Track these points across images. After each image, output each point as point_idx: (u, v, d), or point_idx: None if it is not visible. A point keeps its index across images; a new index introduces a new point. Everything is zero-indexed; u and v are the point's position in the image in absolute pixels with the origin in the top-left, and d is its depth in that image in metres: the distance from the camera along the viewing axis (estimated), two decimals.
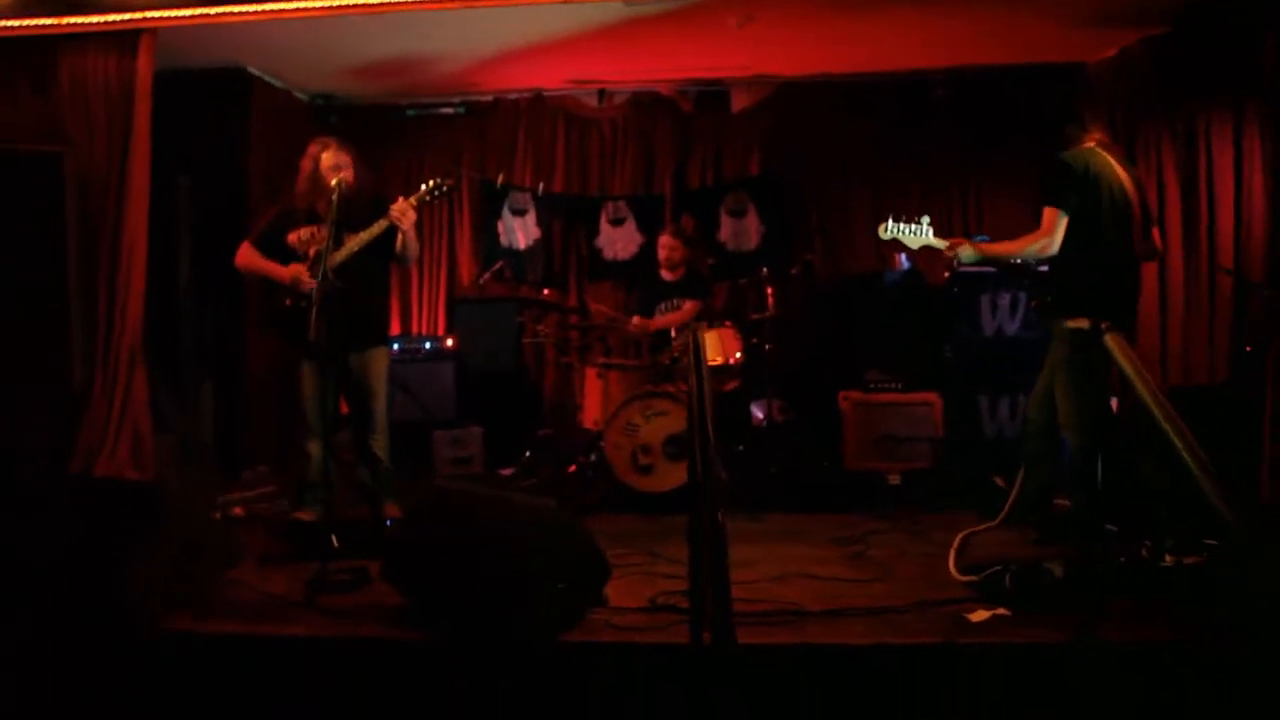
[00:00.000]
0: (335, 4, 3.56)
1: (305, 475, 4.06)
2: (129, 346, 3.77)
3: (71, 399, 3.68)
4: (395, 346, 5.80)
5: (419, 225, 4.01)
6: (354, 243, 3.88)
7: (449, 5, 3.54)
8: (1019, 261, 3.84)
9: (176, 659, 2.98)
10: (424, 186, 3.95)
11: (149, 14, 3.70)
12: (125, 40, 3.78)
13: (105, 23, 3.70)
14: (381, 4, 3.54)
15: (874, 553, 4.06)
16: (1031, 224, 3.73)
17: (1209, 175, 5.03)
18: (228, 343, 5.50)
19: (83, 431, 3.68)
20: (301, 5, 3.57)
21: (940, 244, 3.80)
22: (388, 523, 4.15)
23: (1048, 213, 3.62)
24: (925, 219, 3.87)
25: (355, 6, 3.56)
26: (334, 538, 3.80)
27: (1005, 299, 5.08)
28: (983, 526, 4.13)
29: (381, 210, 3.90)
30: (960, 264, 3.86)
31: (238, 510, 4.46)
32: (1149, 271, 5.29)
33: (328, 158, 3.98)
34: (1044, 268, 3.82)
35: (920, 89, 5.97)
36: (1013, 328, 5.08)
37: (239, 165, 5.51)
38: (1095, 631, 2.93)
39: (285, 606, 3.31)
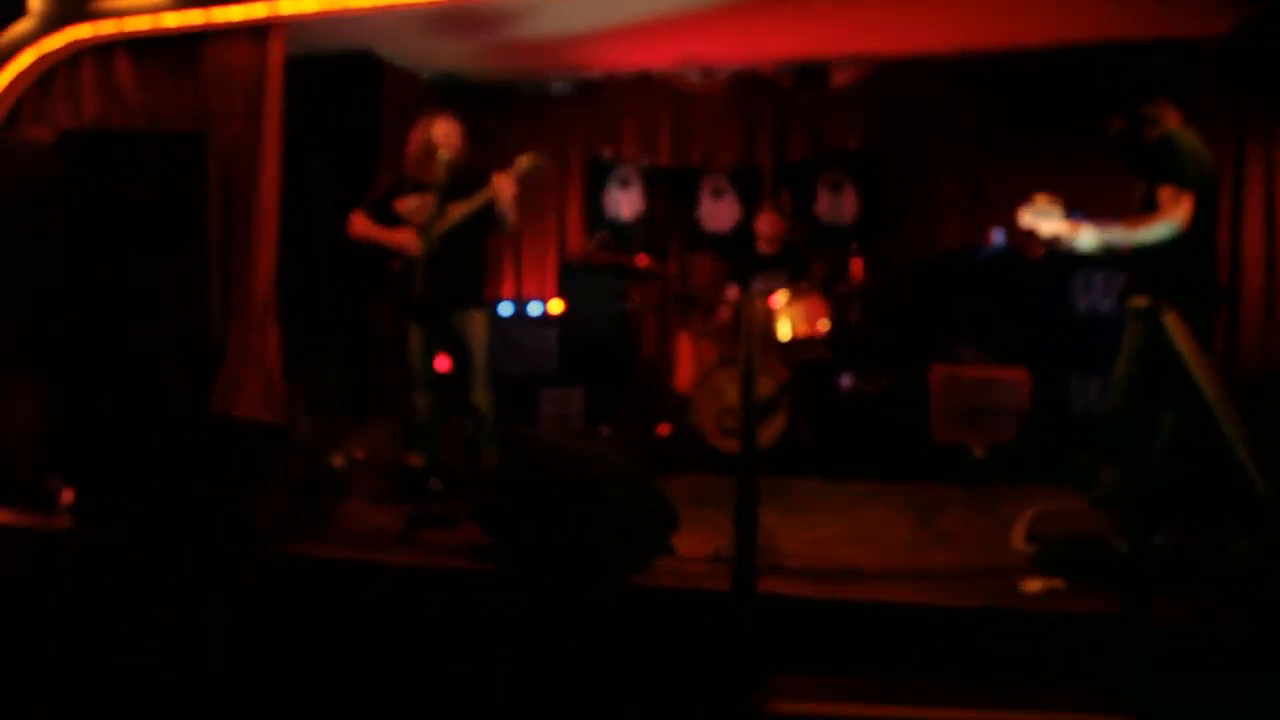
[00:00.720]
0: None
1: (413, 423, 4.47)
2: (261, 303, 4.25)
3: (211, 350, 4.19)
4: (509, 308, 6.22)
5: (520, 198, 4.26)
6: (457, 213, 4.18)
7: None
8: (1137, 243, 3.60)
9: (291, 578, 3.42)
10: (519, 162, 4.18)
11: (279, 6, 4.13)
12: (259, 32, 4.22)
13: (243, 17, 4.15)
14: None
15: (945, 521, 4.18)
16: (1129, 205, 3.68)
17: None
18: (357, 305, 5.97)
19: (220, 378, 4.18)
20: None
21: (1066, 231, 3.56)
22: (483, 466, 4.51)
23: (1172, 191, 3.44)
24: (1057, 203, 3.76)
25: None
26: (435, 480, 4.21)
27: (1098, 278, 5.05)
28: (1058, 503, 4.17)
29: (484, 182, 4.16)
30: (1078, 250, 3.79)
31: (359, 453, 4.93)
32: (1255, 257, 5.19)
33: (439, 130, 4.26)
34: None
35: (1019, 66, 5.89)
36: (1106, 306, 5.05)
37: (370, 138, 5.91)
38: (1146, 607, 2.98)
39: (386, 538, 3.73)
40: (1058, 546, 3.51)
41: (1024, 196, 3.67)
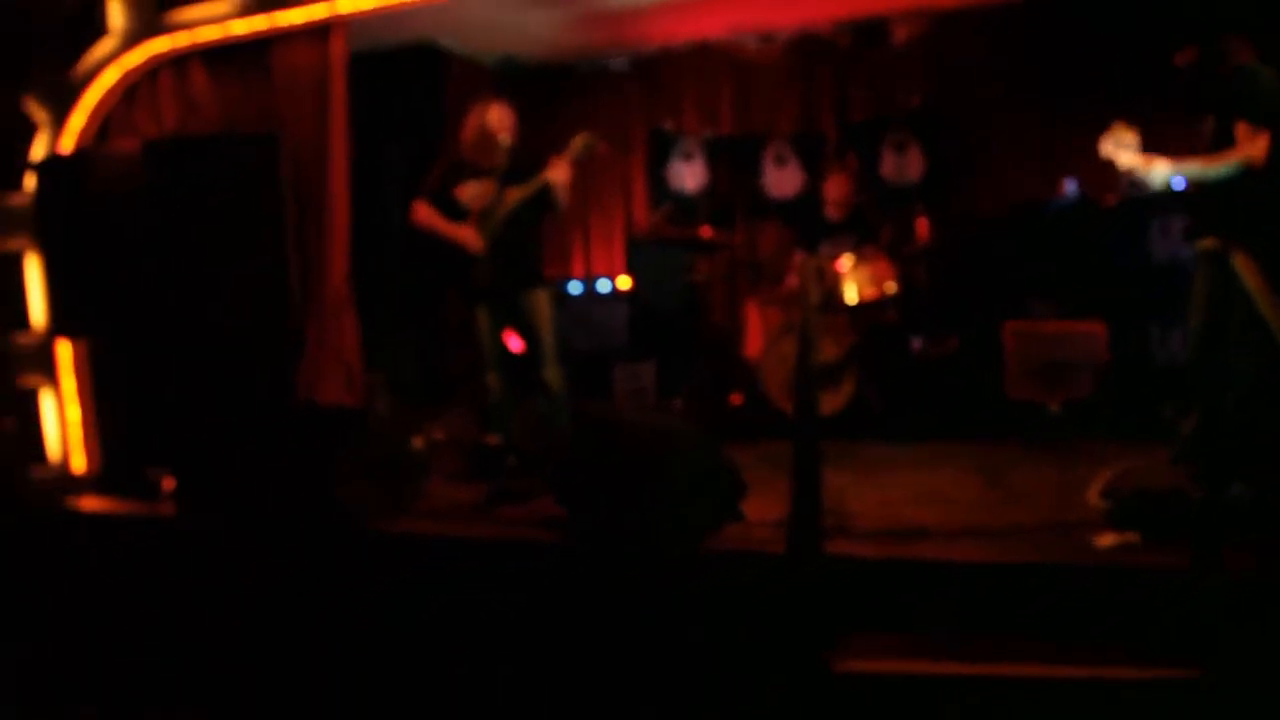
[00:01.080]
0: None
1: (489, 403, 4.63)
2: (337, 294, 4.45)
3: (293, 340, 4.42)
4: (578, 286, 6.34)
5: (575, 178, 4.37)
6: (514, 198, 4.27)
7: None
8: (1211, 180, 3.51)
9: (378, 552, 3.62)
10: (573, 144, 4.24)
11: (337, 5, 4.30)
12: (321, 32, 4.39)
13: (305, 19, 4.33)
14: None
15: (1018, 479, 4.16)
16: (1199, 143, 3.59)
17: None
18: (431, 293, 6.16)
19: (303, 366, 4.41)
20: None
21: (1141, 163, 3.54)
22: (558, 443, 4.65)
23: (1258, 130, 3.36)
24: (1134, 134, 3.61)
25: None
26: (512, 457, 4.37)
27: (1177, 223, 4.90)
28: (1139, 460, 4.09)
29: (538, 166, 4.25)
30: (1149, 186, 3.70)
31: (438, 434, 5.12)
32: None
33: (493, 116, 4.35)
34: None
35: (1082, 7, 5.68)
36: (1186, 253, 4.90)
37: (436, 126, 6.06)
38: (1219, 559, 2.94)
39: (467, 513, 3.90)
40: (1132, 500, 3.46)
41: (1093, 143, 3.65)
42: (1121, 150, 3.55)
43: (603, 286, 6.36)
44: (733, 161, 6.62)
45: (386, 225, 5.95)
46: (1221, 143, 3.46)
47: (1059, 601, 2.99)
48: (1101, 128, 5.85)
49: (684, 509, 3.39)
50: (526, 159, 4.33)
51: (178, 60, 4.74)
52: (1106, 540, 3.25)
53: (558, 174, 4.20)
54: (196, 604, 3.70)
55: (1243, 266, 2.88)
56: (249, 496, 3.80)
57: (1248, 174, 3.35)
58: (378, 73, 5.20)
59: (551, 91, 6.55)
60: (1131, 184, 5.17)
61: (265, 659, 3.55)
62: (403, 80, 5.83)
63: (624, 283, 6.36)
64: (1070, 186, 5.60)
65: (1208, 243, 3.30)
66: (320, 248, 4.43)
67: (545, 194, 4.28)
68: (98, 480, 4.80)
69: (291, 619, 3.59)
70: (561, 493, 3.76)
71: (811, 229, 5.75)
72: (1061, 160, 5.91)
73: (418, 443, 4.75)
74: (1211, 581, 2.81)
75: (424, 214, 4.38)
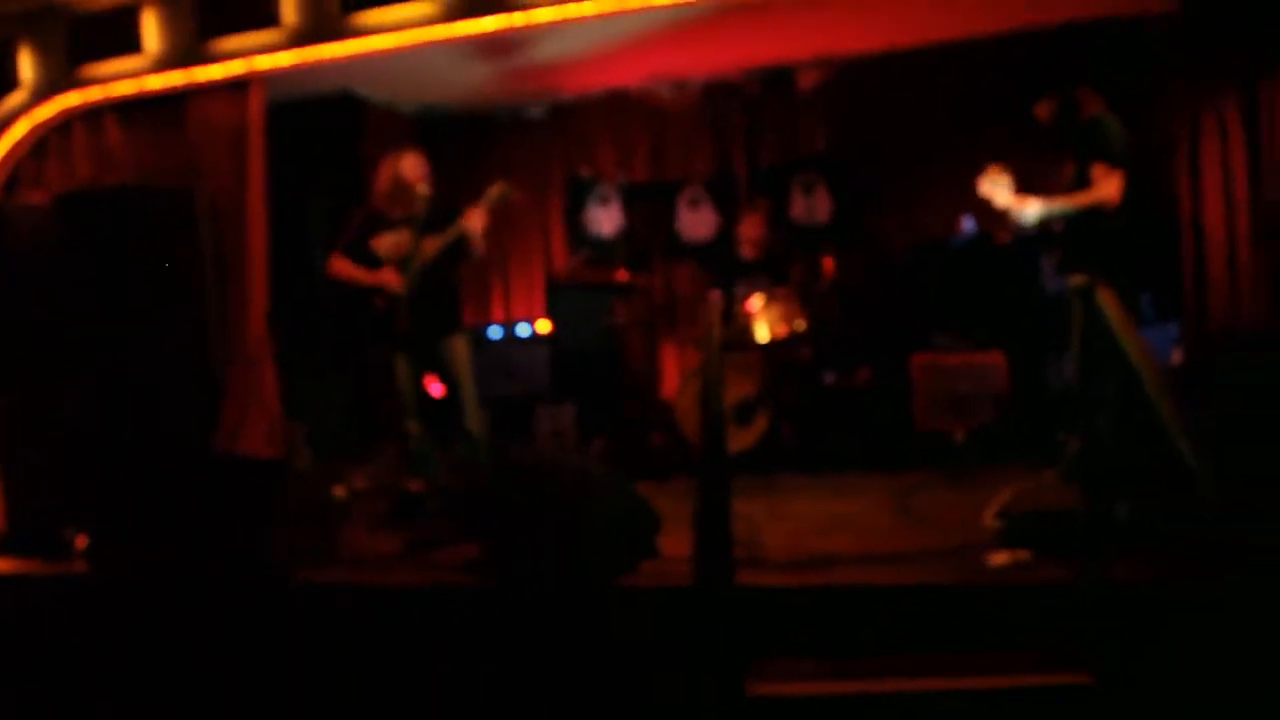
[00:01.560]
0: (404, 39, 4.08)
1: (410, 450, 4.67)
2: (257, 343, 4.46)
3: (212, 389, 4.41)
4: (498, 331, 6.42)
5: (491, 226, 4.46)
6: (432, 248, 4.37)
7: (499, 30, 3.98)
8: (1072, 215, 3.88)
9: (300, 603, 3.63)
10: (489, 193, 4.35)
11: (255, 61, 4.35)
12: (238, 86, 4.45)
13: (222, 74, 4.39)
14: (442, 35, 4.03)
15: (923, 506, 4.35)
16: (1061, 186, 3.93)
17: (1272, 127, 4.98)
18: (356, 342, 6.16)
19: (223, 416, 4.39)
20: (377, 42, 4.13)
21: (1014, 202, 3.90)
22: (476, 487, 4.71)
23: (1112, 170, 3.75)
24: (1007, 175, 3.97)
25: (421, 41, 4.08)
26: (434, 503, 4.41)
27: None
28: (1034, 481, 4.31)
29: (454, 215, 4.35)
30: (1022, 223, 3.98)
31: (360, 484, 5.14)
32: (1216, 226, 5.33)
33: (408, 166, 4.44)
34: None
35: (978, 54, 6.04)
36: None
37: (354, 174, 6.09)
38: (1102, 572, 3.14)
39: (389, 561, 3.93)
40: (1022, 520, 3.68)
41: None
42: (997, 190, 3.87)
43: (523, 331, 6.45)
44: (648, 205, 6.80)
45: (308, 274, 5.97)
46: (1081, 185, 3.82)
47: (959, 618, 3.17)
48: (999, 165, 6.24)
49: (600, 547, 3.48)
50: (442, 208, 4.42)
51: (91, 113, 4.74)
52: (1000, 559, 3.45)
53: (473, 223, 4.30)
54: (112, 664, 3.65)
55: (1105, 300, 3.12)
56: (166, 551, 3.78)
57: (1105, 213, 3.72)
58: (296, 122, 5.24)
59: (470, 140, 6.68)
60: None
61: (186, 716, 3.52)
62: (321, 129, 5.86)
63: (543, 326, 6.47)
64: (968, 224, 5.91)
65: (1077, 279, 3.56)
66: (239, 298, 4.44)
67: (461, 243, 4.37)
68: (6, 541, 4.69)
69: (211, 674, 3.56)
70: (480, 534, 3.83)
71: (727, 269, 5.93)
72: (960, 199, 6.19)
73: (339, 492, 4.78)
74: (1097, 592, 3.01)
75: (340, 267, 4.46)
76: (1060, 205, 3.87)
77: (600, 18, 3.96)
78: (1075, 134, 3.96)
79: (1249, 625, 2.84)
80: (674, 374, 5.77)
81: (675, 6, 4.10)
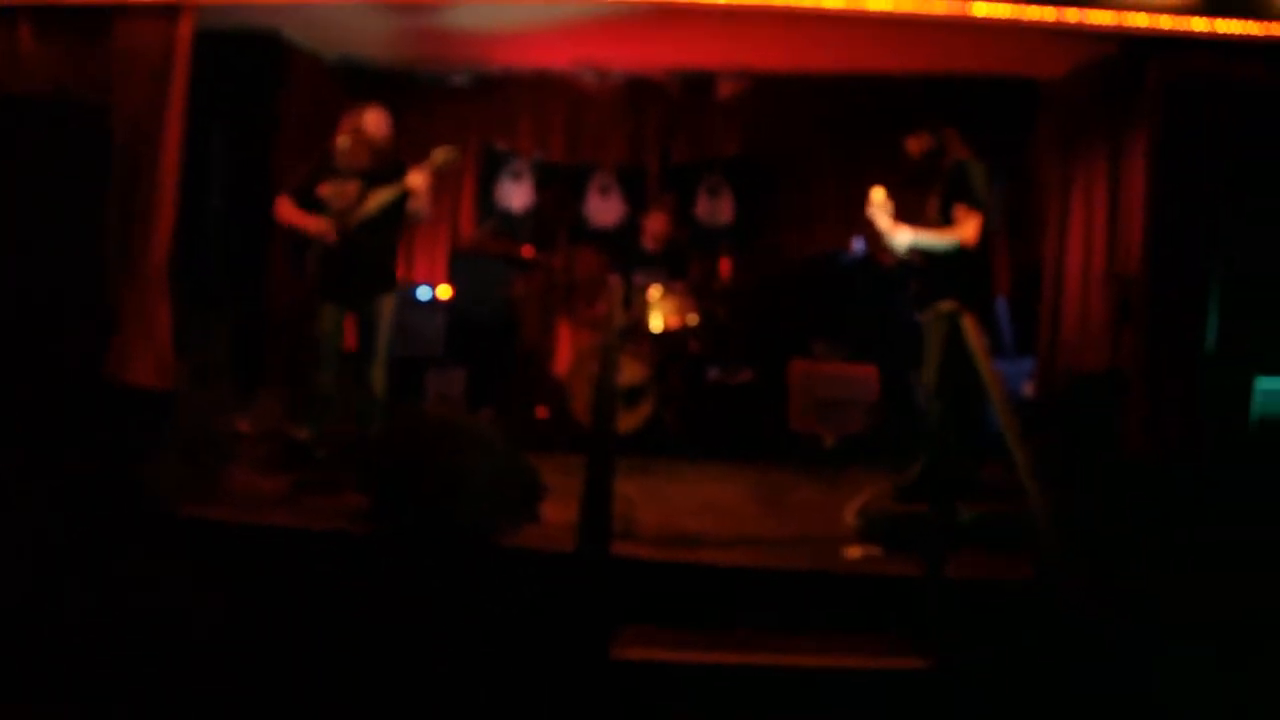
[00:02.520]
0: None
1: (310, 397, 4.67)
2: (156, 273, 4.40)
3: (105, 315, 4.33)
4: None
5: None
6: (375, 202, 4.41)
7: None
8: (936, 250, 4.26)
9: (176, 538, 3.64)
10: (434, 155, 4.40)
11: None
12: (169, 11, 4.36)
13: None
14: None
15: (790, 499, 4.66)
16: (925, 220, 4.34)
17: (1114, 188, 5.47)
18: (251, 274, 6.08)
19: (114, 343, 4.32)
20: None
21: (889, 228, 4.26)
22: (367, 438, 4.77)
23: (971, 212, 4.14)
24: (889, 203, 4.34)
25: None
26: (321, 450, 4.46)
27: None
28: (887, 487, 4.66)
29: (401, 173, 4.41)
30: (893, 248, 4.34)
31: (243, 425, 5.10)
32: (1074, 273, 5.84)
33: (370, 120, 4.52)
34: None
35: (889, 90, 6.42)
36: None
37: (271, 116, 5.98)
38: (943, 567, 3.46)
39: (272, 502, 3.98)
40: (878, 519, 4.02)
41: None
42: (879, 213, 4.23)
43: (422, 294, 6.50)
44: (559, 186, 6.94)
45: (205, 207, 5.86)
46: (943, 221, 4.20)
47: (813, 603, 3.46)
48: (894, 196, 6.64)
49: (484, 504, 3.63)
50: (393, 165, 4.48)
51: (3, 12, 4.52)
52: (855, 552, 3.78)
53: (417, 181, 4.36)
54: None
55: (967, 326, 3.46)
56: (46, 478, 3.72)
57: (965, 249, 4.15)
58: (214, 54, 5.13)
59: (390, 99, 6.61)
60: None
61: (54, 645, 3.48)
62: (239, 64, 5.73)
63: (444, 292, 6.52)
64: (858, 244, 6.29)
65: (947, 305, 3.91)
66: (144, 226, 4.36)
67: (403, 201, 4.44)
68: None
69: (79, 603, 3.54)
70: (369, 485, 3.92)
71: (629, 258, 6.15)
72: (855, 219, 6.60)
73: (224, 429, 4.76)
74: (938, 586, 3.33)
75: (285, 209, 4.47)
76: (927, 238, 4.25)
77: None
78: (941, 174, 4.35)
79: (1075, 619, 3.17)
80: (566, 352, 5.93)
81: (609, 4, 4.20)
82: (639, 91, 6.83)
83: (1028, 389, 5.70)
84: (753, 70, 6.54)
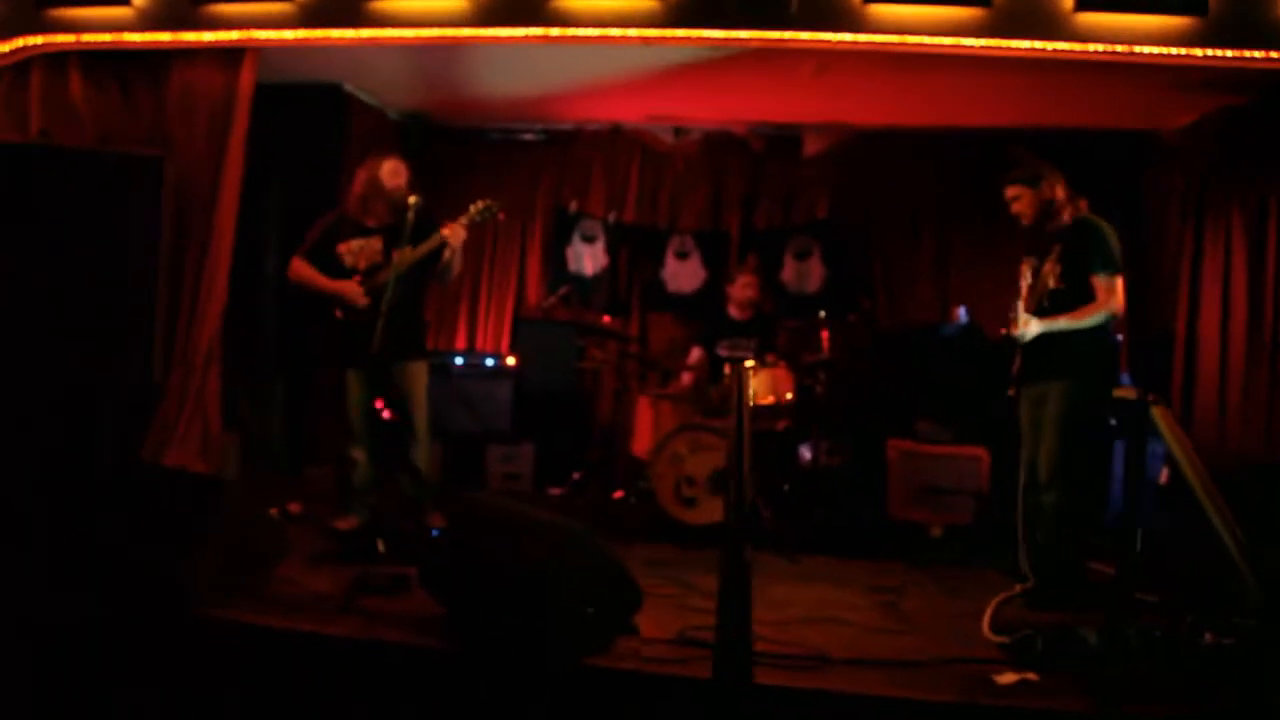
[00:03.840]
0: (426, 34, 3.73)
1: (350, 482, 4.25)
2: (207, 345, 3.98)
3: (149, 392, 3.90)
4: (459, 360, 5.99)
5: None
6: (405, 259, 4.01)
7: (532, 40, 3.67)
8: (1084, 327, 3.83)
9: (225, 645, 3.14)
10: (472, 209, 4.08)
11: (254, 34, 3.93)
12: (231, 57, 4.02)
13: (214, 40, 3.94)
14: (469, 36, 3.70)
15: (907, 604, 4.06)
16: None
17: (1278, 248, 4.94)
18: (303, 343, 5.71)
19: (155, 423, 3.89)
20: (395, 34, 3.76)
21: (1015, 331, 3.93)
22: (434, 533, 4.30)
23: (1111, 280, 3.70)
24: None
25: (444, 37, 3.73)
26: (379, 542, 3.96)
27: None
28: (1019, 589, 4.10)
29: (432, 228, 4.04)
30: (1023, 340, 3.93)
31: (294, 507, 4.65)
32: (1211, 343, 5.27)
33: (388, 171, 4.13)
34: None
35: (990, 146, 5.94)
36: None
37: (332, 174, 5.70)
38: (1119, 704, 2.90)
39: (328, 606, 3.46)
40: (1028, 638, 3.44)
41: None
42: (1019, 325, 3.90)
43: (485, 361, 6.06)
44: (634, 250, 6.51)
45: (260, 272, 5.53)
46: (1070, 286, 3.74)
47: None
48: (997, 260, 6.12)
49: (572, 616, 3.10)
50: (418, 220, 4.08)
51: (53, 58, 4.21)
52: (1007, 679, 3.20)
53: (453, 236, 3.99)
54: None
55: (1164, 420, 2.92)
56: (76, 574, 3.25)
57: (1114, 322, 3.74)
58: (275, 107, 4.83)
59: (456, 154, 6.33)
60: None
61: None
62: (300, 119, 5.44)
63: (510, 362, 6.09)
64: (962, 314, 5.75)
65: (1130, 392, 3.36)
66: (196, 290, 3.97)
67: (437, 258, 4.05)
68: None
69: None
70: (435, 586, 3.42)
71: (711, 326, 5.65)
72: (956, 286, 6.10)
73: (273, 516, 4.31)
74: None
75: (301, 270, 4.10)
76: (1065, 322, 3.78)
77: (642, 43, 3.66)
78: (1056, 233, 3.88)
79: None
80: (645, 429, 5.41)
81: (717, 43, 3.80)
82: (718, 148, 6.44)
83: (1163, 476, 5.08)
84: (843, 124, 6.13)
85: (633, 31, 3.57)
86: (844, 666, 3.18)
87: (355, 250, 4.07)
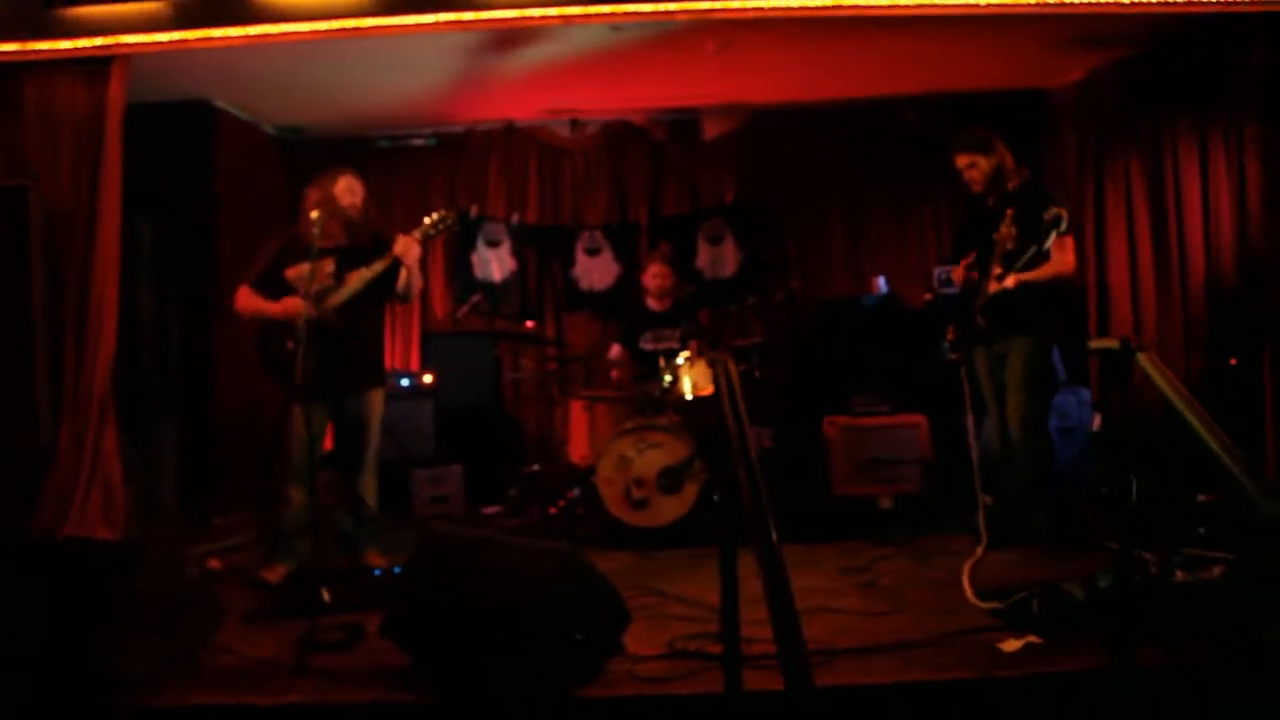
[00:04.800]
0: (324, 28, 3.36)
1: (280, 524, 3.89)
2: (100, 396, 3.50)
3: (38, 454, 3.40)
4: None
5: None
6: (357, 280, 3.76)
7: (443, 28, 3.35)
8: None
9: None
10: (426, 220, 3.87)
11: (123, 39, 3.45)
12: (96, 67, 3.54)
13: (75, 49, 3.45)
14: (372, 27, 3.35)
15: (884, 581, 3.96)
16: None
17: (1177, 195, 5.04)
18: (193, 382, 5.23)
19: (48, 489, 3.39)
20: (287, 29, 3.36)
21: (995, 289, 3.96)
22: (375, 573, 3.96)
23: (1063, 240, 3.81)
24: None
25: (344, 31, 3.37)
26: (324, 591, 3.58)
27: None
28: (981, 551, 4.05)
29: (383, 246, 3.80)
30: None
31: (213, 563, 4.19)
32: (1122, 291, 5.38)
33: (342, 188, 3.90)
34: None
35: (890, 115, 5.94)
36: None
37: (204, 199, 5.29)
38: (1133, 656, 2.84)
39: (278, 672, 3.08)
40: (1023, 601, 3.37)
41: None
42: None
43: (401, 382, 5.67)
44: (542, 250, 6.23)
45: (131, 308, 5.02)
46: (1027, 247, 3.81)
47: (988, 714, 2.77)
48: (906, 227, 6.12)
49: (557, 644, 2.84)
50: (370, 238, 3.87)
51: None
52: (1011, 646, 3.11)
53: (407, 252, 3.74)
54: None
55: (1152, 364, 2.86)
56: None
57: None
58: (136, 128, 4.35)
59: (342, 165, 5.90)
60: (943, 283, 5.37)
61: None
62: (166, 139, 4.91)
63: (424, 379, 5.71)
64: (881, 283, 5.71)
65: (1108, 342, 3.32)
66: (81, 335, 3.48)
67: (392, 276, 3.81)
68: None
69: None
70: (398, 633, 3.08)
71: (635, 321, 5.44)
72: (867, 258, 6.06)
73: (191, 575, 3.86)
74: (1134, 682, 2.69)
75: (248, 301, 3.79)
76: (1032, 277, 3.90)
77: (563, 22, 3.39)
78: (1016, 196, 3.99)
79: None
80: (580, 434, 5.15)
81: (644, 18, 3.57)
82: (618, 139, 6.22)
83: (1096, 422, 5.15)
84: (743, 105, 6.00)
85: (553, 11, 3.30)
86: (851, 656, 3.03)
87: (304, 274, 3.75)
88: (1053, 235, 3.71)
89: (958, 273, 4.25)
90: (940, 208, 6.04)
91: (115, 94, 3.59)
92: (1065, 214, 3.69)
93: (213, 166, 5.20)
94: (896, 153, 5.98)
